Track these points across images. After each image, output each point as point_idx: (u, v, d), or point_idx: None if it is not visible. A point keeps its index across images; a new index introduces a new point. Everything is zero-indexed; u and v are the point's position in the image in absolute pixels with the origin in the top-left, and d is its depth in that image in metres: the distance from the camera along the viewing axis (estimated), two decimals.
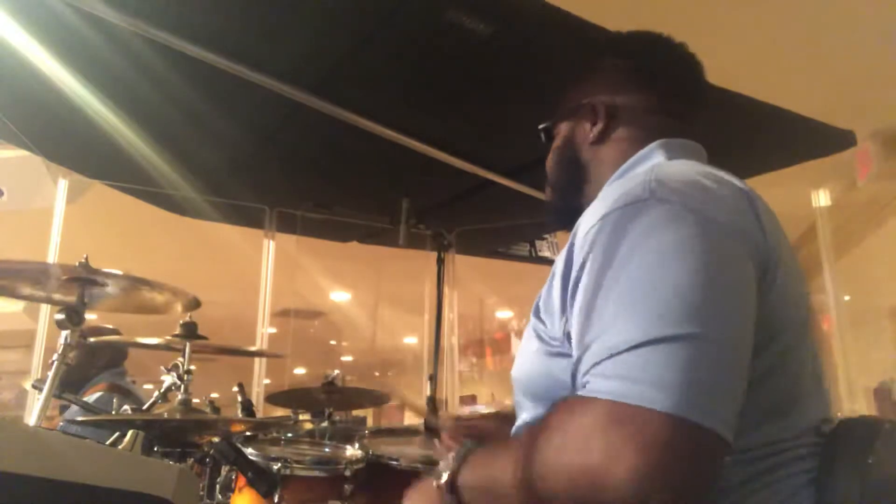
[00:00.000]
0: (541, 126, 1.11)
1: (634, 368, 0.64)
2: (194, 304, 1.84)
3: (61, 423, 2.41)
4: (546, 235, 4.26)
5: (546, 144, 1.10)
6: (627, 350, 0.65)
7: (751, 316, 0.71)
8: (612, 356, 0.66)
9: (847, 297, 4.13)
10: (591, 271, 0.74)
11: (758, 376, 0.72)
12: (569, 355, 0.78)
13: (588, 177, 1.01)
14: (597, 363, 0.68)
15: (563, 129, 1.06)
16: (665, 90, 0.99)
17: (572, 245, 0.80)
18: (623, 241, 0.72)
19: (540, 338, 0.85)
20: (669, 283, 0.67)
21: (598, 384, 0.66)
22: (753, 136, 2.50)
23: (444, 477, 0.83)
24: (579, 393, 0.69)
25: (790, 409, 0.78)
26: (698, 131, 0.99)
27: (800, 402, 0.79)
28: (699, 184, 0.78)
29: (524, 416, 0.90)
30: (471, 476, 0.82)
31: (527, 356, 0.88)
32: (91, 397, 2.59)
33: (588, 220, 0.79)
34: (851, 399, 3.82)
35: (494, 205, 3.40)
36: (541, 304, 0.86)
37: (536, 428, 0.72)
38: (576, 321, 0.74)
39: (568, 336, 0.79)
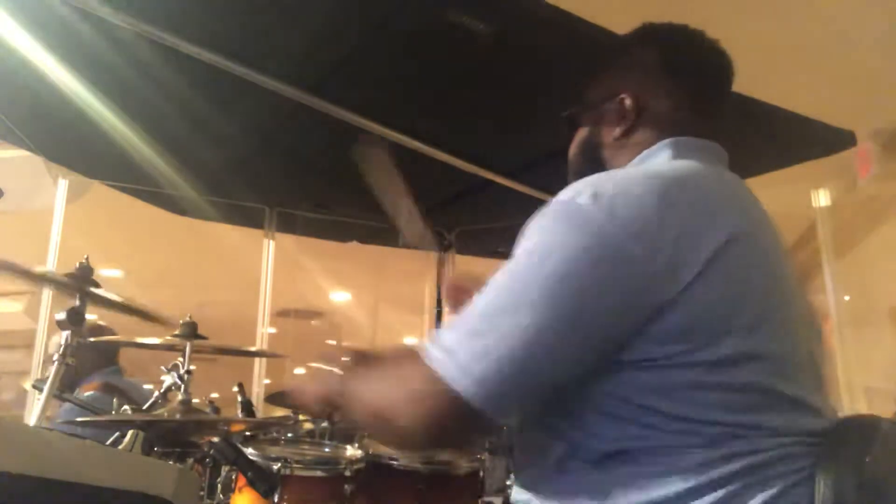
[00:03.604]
0: (564, 113, 1.09)
1: (451, 341, 0.77)
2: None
3: (58, 421, 2.40)
4: None
5: (568, 133, 1.08)
6: (459, 326, 0.79)
7: (581, 322, 0.75)
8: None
9: (847, 297, 4.13)
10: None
11: (722, 371, 0.77)
12: None
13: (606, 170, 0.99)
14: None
15: (589, 120, 1.04)
16: (693, 87, 0.98)
17: None
18: (528, 237, 0.81)
19: None
20: (520, 280, 0.77)
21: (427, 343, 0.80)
22: (753, 136, 2.50)
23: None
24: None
25: (767, 410, 0.78)
26: (721, 128, 0.97)
27: (786, 404, 0.79)
28: (633, 193, 0.79)
29: None
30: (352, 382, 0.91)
31: None
32: (83, 396, 2.57)
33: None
34: (851, 399, 3.82)
35: (494, 205, 3.40)
36: None
37: (388, 359, 0.87)
38: None
39: None
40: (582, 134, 1.05)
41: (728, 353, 0.77)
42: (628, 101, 0.97)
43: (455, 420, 0.76)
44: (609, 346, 0.76)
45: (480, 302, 0.79)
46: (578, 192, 0.79)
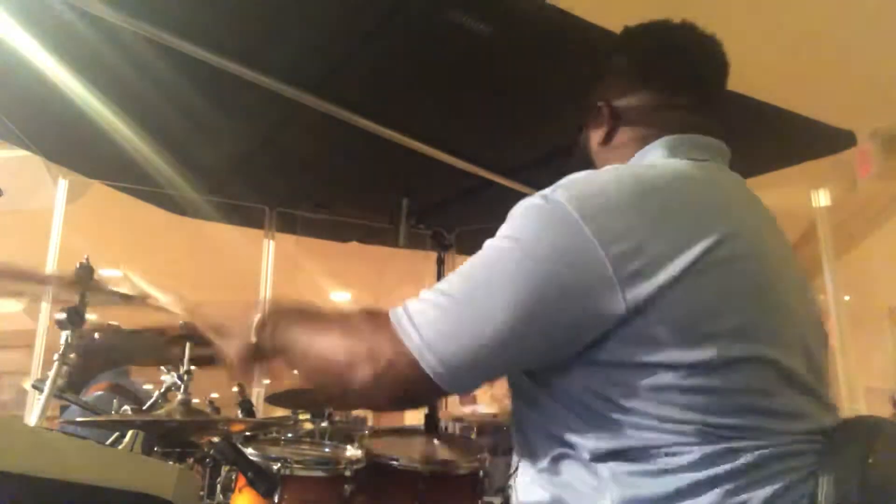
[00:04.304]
0: (578, 125, 1.12)
1: (422, 316, 0.79)
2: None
3: (60, 423, 2.40)
4: None
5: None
6: (431, 301, 0.81)
7: (547, 321, 0.77)
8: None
9: (847, 297, 4.13)
10: None
11: (707, 374, 0.76)
12: None
13: None
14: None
15: (585, 129, 1.07)
16: (670, 83, 0.97)
17: None
18: (506, 226, 0.84)
19: None
20: (479, 269, 0.81)
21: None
22: (753, 136, 2.50)
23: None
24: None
25: (767, 412, 0.78)
26: (721, 124, 0.96)
27: (783, 407, 0.80)
28: (606, 195, 0.80)
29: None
30: (277, 328, 0.95)
31: None
32: (90, 397, 2.58)
33: None
34: (851, 399, 3.82)
35: (494, 205, 3.39)
36: None
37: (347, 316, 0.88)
38: None
39: None
40: (580, 138, 1.08)
41: (712, 357, 0.76)
42: (604, 108, 0.99)
43: (412, 388, 0.80)
44: (577, 345, 0.78)
45: (455, 280, 0.81)
46: (555, 189, 0.82)
